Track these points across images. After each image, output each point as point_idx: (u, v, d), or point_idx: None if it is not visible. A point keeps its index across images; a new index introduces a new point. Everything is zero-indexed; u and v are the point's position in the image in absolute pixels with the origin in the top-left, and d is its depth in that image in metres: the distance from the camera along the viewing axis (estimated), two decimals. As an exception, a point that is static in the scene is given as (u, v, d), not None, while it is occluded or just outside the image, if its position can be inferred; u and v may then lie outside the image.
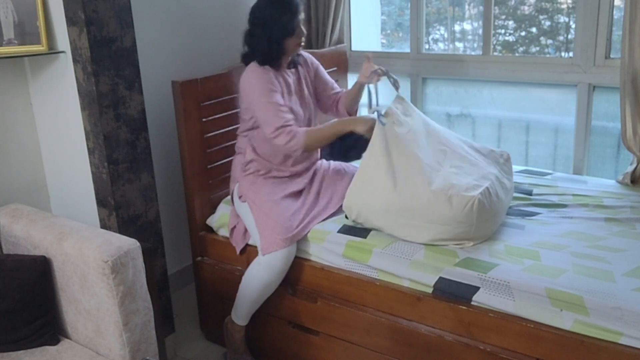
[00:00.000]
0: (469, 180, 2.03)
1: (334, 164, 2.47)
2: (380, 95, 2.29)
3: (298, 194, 2.30)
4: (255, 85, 2.18)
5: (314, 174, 2.39)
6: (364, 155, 2.12)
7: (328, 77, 2.50)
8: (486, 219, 1.98)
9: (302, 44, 2.29)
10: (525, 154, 3.00)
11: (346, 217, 2.18)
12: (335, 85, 2.51)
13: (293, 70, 2.35)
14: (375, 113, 2.15)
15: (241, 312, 2.25)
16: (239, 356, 2.33)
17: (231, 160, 2.57)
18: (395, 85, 2.32)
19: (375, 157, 2.08)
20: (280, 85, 2.24)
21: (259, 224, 2.17)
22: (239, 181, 2.32)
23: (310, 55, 2.48)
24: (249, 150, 2.30)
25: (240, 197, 2.28)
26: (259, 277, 2.14)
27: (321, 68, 2.48)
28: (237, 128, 2.40)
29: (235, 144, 2.42)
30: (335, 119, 2.27)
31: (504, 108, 3.01)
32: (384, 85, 2.33)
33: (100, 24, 2.00)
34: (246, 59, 2.29)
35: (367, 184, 2.08)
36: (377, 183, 2.06)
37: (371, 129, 2.10)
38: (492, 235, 2.05)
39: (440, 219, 1.95)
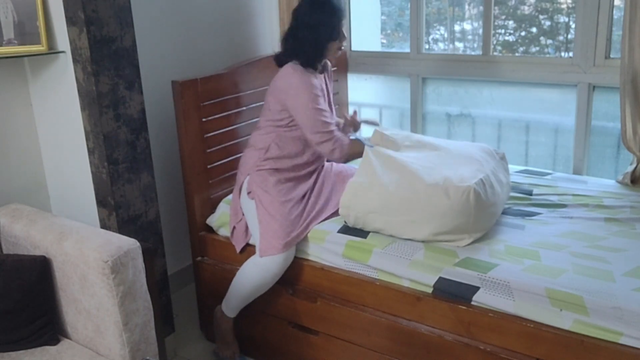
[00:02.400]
0: (464, 173, 2.04)
1: (336, 165, 2.47)
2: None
3: (302, 197, 2.29)
4: (300, 88, 2.17)
5: (318, 175, 2.39)
6: (359, 164, 2.19)
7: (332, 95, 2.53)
8: (483, 210, 1.99)
9: (343, 48, 2.32)
10: (525, 154, 3.00)
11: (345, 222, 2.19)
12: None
13: (321, 75, 2.35)
14: (362, 139, 2.31)
15: (231, 305, 2.26)
16: (226, 346, 2.33)
17: (231, 160, 2.58)
18: (374, 123, 2.44)
19: (368, 164, 2.15)
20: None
21: (262, 224, 2.16)
22: (250, 174, 2.27)
23: (329, 62, 2.49)
24: (272, 148, 2.25)
25: (249, 193, 2.26)
26: (253, 277, 2.14)
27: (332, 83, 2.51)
28: (257, 123, 2.35)
29: (249, 138, 2.37)
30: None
31: (504, 108, 3.01)
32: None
33: (100, 24, 2.00)
34: (281, 60, 2.28)
35: (361, 189, 2.10)
36: (372, 185, 2.08)
37: None
38: (492, 235, 2.05)
39: (438, 211, 1.96)
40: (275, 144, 2.25)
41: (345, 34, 2.29)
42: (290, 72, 2.20)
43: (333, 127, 2.21)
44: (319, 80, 2.27)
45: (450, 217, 1.96)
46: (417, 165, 2.12)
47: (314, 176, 2.36)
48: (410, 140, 2.35)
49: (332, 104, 2.42)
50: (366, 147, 2.21)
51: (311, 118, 2.17)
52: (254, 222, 2.22)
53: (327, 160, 2.47)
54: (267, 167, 2.24)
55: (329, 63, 2.43)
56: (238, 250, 2.32)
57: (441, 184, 1.99)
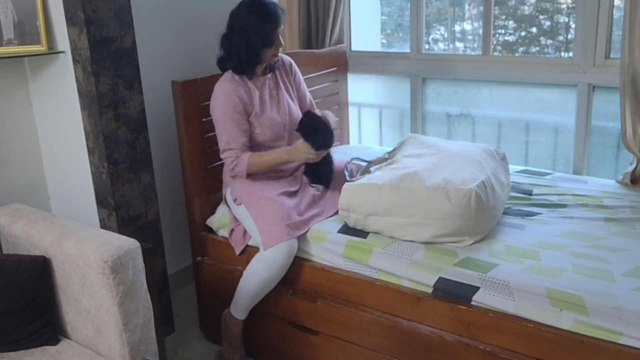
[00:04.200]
0: (465, 175, 2.04)
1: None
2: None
3: (293, 193, 2.30)
4: (221, 100, 2.21)
5: None
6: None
7: (305, 90, 2.52)
8: (484, 212, 1.98)
9: (279, 53, 2.32)
10: (525, 154, 3.00)
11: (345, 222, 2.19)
12: (310, 100, 2.53)
13: (269, 75, 2.35)
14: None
15: (240, 307, 2.25)
16: (234, 350, 2.33)
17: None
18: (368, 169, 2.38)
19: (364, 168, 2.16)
20: (253, 96, 2.26)
21: (257, 221, 2.16)
22: (230, 185, 2.33)
23: (290, 60, 2.48)
24: None
25: (235, 201, 2.28)
26: (260, 273, 2.14)
27: (301, 77, 2.50)
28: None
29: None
30: (280, 149, 2.28)
31: (504, 108, 3.01)
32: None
33: (100, 24, 2.00)
34: (221, 65, 2.31)
35: (359, 191, 2.09)
36: (372, 187, 2.07)
37: (306, 160, 2.20)
38: (492, 235, 2.05)
39: (439, 213, 1.95)
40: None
41: (282, 41, 2.28)
42: (220, 85, 2.24)
43: (235, 143, 2.20)
44: (254, 85, 2.27)
45: (451, 219, 1.95)
46: (418, 166, 2.12)
47: (300, 175, 2.37)
48: (409, 149, 2.35)
49: (292, 98, 2.41)
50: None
51: (218, 130, 2.23)
52: (250, 224, 2.22)
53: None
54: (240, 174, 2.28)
55: (284, 59, 2.44)
56: (237, 252, 2.32)
57: (442, 186, 1.98)
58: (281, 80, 2.40)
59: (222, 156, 2.26)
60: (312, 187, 2.35)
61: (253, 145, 2.29)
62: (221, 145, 2.24)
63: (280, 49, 2.30)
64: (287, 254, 2.11)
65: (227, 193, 2.35)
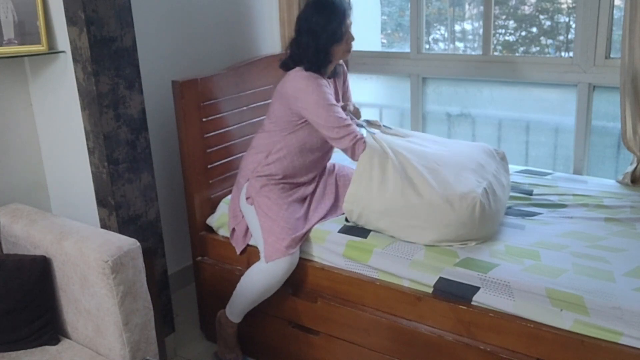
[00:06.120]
0: (469, 181, 2.03)
1: (339, 167, 2.44)
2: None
3: (304, 199, 2.28)
4: (308, 90, 2.12)
5: (319, 179, 2.38)
6: (361, 156, 2.11)
7: (350, 90, 2.49)
8: (488, 219, 1.98)
9: (351, 49, 2.25)
10: (525, 154, 3.00)
11: (346, 220, 2.18)
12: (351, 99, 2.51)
13: (331, 80, 2.31)
14: (362, 126, 2.22)
15: (236, 311, 2.25)
16: (229, 350, 2.33)
17: (231, 160, 2.58)
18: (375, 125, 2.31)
19: (372, 159, 2.09)
20: None
21: (264, 230, 2.15)
22: (250, 180, 2.26)
23: (344, 65, 2.45)
24: (274, 153, 2.23)
25: (247, 199, 2.25)
26: (259, 283, 2.13)
27: (348, 78, 2.47)
28: (261, 124, 2.33)
29: (252, 140, 2.35)
30: None
31: (504, 108, 3.01)
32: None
33: (100, 24, 2.00)
34: (287, 65, 2.24)
35: (366, 185, 2.08)
36: (377, 184, 2.06)
37: None
38: (492, 235, 2.05)
39: (442, 220, 1.95)
40: (277, 150, 2.23)
41: (353, 35, 2.22)
42: (298, 77, 2.16)
43: (349, 122, 2.15)
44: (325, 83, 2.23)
45: (454, 227, 1.95)
46: (423, 165, 2.08)
47: (316, 180, 2.35)
48: (413, 137, 2.33)
49: (348, 95, 2.42)
50: (367, 134, 2.14)
51: (324, 115, 2.11)
52: (255, 228, 2.20)
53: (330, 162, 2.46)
54: (267, 173, 2.22)
55: (343, 67, 2.40)
56: (238, 252, 2.32)
57: (446, 194, 1.97)
58: (338, 88, 2.36)
59: (338, 136, 2.11)
60: (321, 187, 2.34)
61: (298, 145, 2.22)
62: (332, 130, 2.10)
63: (352, 44, 2.23)
64: (288, 268, 2.11)
65: (244, 187, 2.27)
